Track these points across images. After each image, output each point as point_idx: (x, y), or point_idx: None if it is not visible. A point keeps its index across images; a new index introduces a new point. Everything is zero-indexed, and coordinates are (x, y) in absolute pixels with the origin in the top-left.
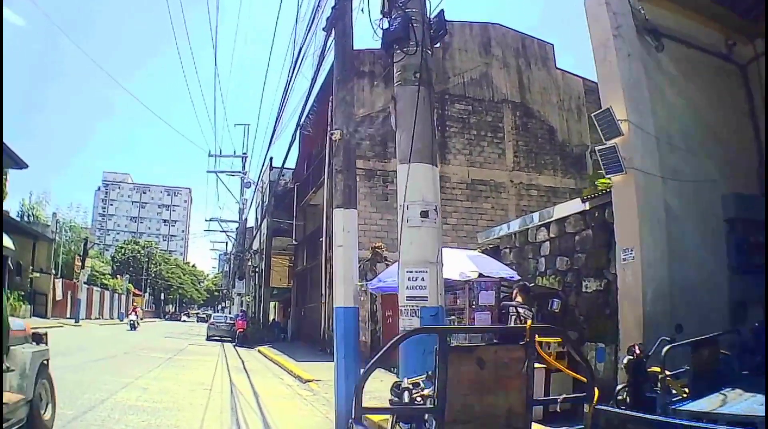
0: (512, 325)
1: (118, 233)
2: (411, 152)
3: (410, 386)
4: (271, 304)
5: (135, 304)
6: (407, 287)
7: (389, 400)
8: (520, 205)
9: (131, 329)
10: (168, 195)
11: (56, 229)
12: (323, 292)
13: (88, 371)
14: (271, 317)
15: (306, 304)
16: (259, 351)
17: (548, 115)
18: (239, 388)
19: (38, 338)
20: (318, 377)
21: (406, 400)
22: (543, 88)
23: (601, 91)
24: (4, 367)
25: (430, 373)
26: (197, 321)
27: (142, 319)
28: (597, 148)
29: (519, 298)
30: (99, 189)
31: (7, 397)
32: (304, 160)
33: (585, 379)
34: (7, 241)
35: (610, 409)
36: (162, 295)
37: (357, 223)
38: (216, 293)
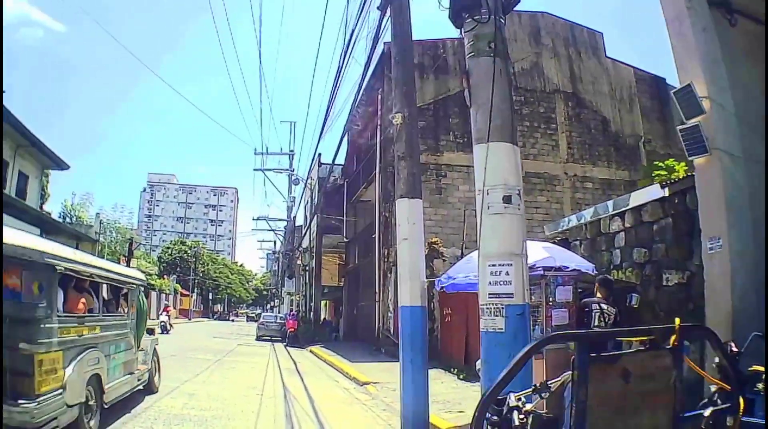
0: (595, 323)
1: (164, 234)
2: (489, 130)
3: (519, 404)
4: (322, 302)
5: (167, 304)
6: (489, 283)
7: (488, 419)
8: (575, 197)
9: (162, 332)
10: (214, 195)
11: (100, 229)
12: (377, 290)
13: None
14: (322, 316)
15: (358, 303)
16: (310, 351)
17: (600, 106)
18: (293, 393)
19: (151, 331)
20: (375, 379)
21: (516, 423)
22: (594, 77)
23: (678, 67)
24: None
25: (540, 384)
26: (246, 320)
27: (186, 319)
28: (678, 127)
29: (600, 294)
30: (144, 190)
31: (140, 367)
32: (353, 155)
33: (729, 387)
34: (139, 273)
35: (757, 421)
36: (210, 294)
37: (422, 214)
38: (264, 292)
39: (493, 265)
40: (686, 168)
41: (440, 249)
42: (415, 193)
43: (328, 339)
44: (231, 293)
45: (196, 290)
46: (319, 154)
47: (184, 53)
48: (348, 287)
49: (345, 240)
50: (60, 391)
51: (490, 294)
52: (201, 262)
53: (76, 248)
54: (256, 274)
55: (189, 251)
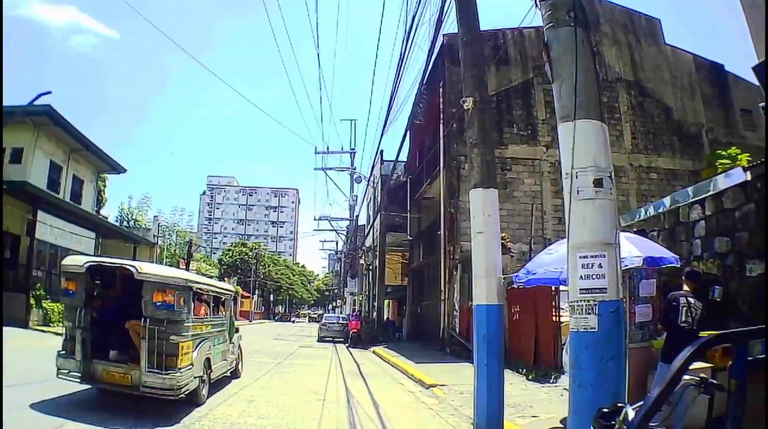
0: (682, 319)
1: (225, 237)
2: (575, 107)
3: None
4: (385, 302)
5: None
6: (581, 277)
7: None
8: (640, 189)
9: None
10: (275, 196)
11: (158, 232)
12: (442, 288)
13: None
14: (385, 316)
15: (422, 302)
16: (373, 352)
17: (663, 94)
18: (356, 397)
19: (237, 329)
20: (441, 381)
21: None
22: (655, 65)
23: (755, 42)
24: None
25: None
26: (308, 321)
27: (247, 320)
28: (760, 104)
29: (687, 287)
30: (204, 193)
31: (230, 356)
32: (415, 152)
33: None
34: (230, 286)
35: None
36: (271, 296)
37: (498, 205)
38: (326, 293)
39: (585, 257)
40: (749, 157)
41: (507, 244)
42: (490, 183)
43: (391, 339)
44: (293, 294)
45: (257, 292)
46: (381, 151)
47: (240, 55)
48: (412, 286)
49: (409, 238)
50: (191, 366)
51: (581, 289)
52: (262, 263)
53: (134, 252)
54: (317, 275)
55: (250, 253)
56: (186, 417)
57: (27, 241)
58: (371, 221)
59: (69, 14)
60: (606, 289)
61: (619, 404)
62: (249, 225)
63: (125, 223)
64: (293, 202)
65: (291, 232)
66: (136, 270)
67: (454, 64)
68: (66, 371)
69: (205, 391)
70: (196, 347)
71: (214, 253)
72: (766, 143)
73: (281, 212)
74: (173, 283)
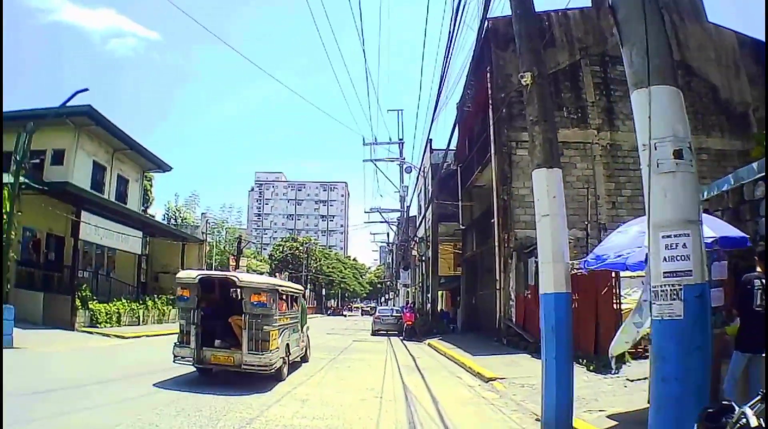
0: (758, 302)
1: (275, 232)
2: (648, 72)
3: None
4: (439, 293)
5: None
6: (664, 259)
7: None
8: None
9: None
10: (324, 190)
11: (206, 229)
12: (497, 277)
13: (235, 382)
14: (439, 307)
15: (477, 292)
16: (428, 345)
17: (708, 73)
18: (414, 393)
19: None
20: (501, 374)
21: None
22: (699, 44)
23: None
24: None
25: None
26: (361, 314)
27: None
28: None
29: (759, 269)
30: (252, 189)
31: (301, 344)
32: (464, 139)
33: None
34: (300, 286)
35: None
36: (323, 290)
37: (563, 186)
38: (379, 286)
39: (668, 237)
40: None
41: None
42: (553, 162)
43: (446, 331)
44: (345, 288)
45: (308, 286)
46: (431, 140)
47: (283, 49)
48: (465, 276)
49: (461, 227)
50: (277, 349)
51: (665, 273)
52: (313, 257)
53: (182, 250)
54: (369, 268)
55: (300, 247)
56: (273, 388)
57: (72, 242)
58: (422, 211)
59: (107, 18)
60: (691, 271)
61: (725, 402)
62: (299, 220)
63: (172, 221)
64: (342, 196)
65: (341, 226)
66: (238, 279)
67: (500, 48)
68: (182, 357)
69: (285, 370)
70: (280, 335)
71: (265, 249)
72: (766, 141)
73: (331, 206)
74: (265, 287)
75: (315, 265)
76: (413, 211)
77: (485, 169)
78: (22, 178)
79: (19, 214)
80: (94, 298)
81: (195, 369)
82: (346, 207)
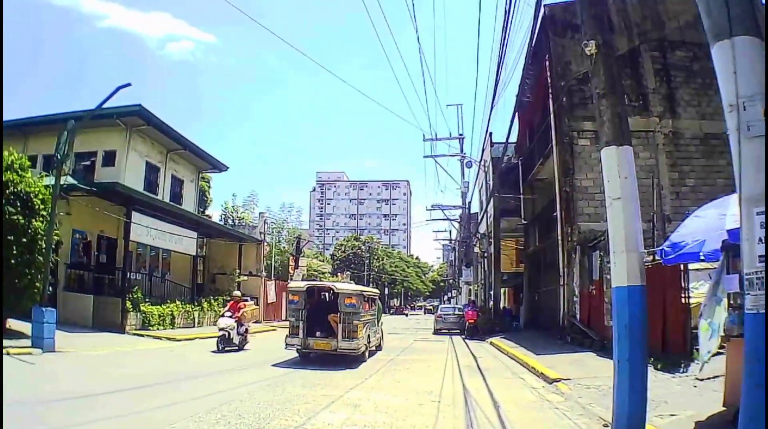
0: None
1: (336, 232)
2: (729, 20)
3: None
4: (501, 290)
5: (236, 297)
6: (759, 239)
7: None
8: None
9: (219, 349)
10: (386, 189)
11: (264, 229)
12: (561, 272)
13: (287, 385)
14: (501, 305)
15: (539, 288)
16: (491, 343)
17: None
18: (474, 397)
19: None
20: (565, 374)
21: None
22: None
23: None
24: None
25: None
26: (424, 313)
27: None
28: None
29: None
30: (314, 189)
31: (377, 335)
32: (525, 132)
33: None
34: (375, 290)
35: None
36: (386, 289)
37: (635, 166)
38: (442, 284)
39: (763, 213)
40: None
41: None
42: (624, 139)
43: (508, 329)
44: (407, 287)
45: (371, 285)
46: (491, 134)
47: (339, 48)
48: (528, 272)
49: (523, 222)
50: (362, 338)
51: (761, 256)
52: (375, 257)
53: (239, 250)
54: (432, 266)
55: (362, 247)
56: (357, 367)
57: (123, 244)
58: (484, 207)
59: (163, 22)
60: None
61: None
62: (361, 219)
63: (230, 222)
64: (405, 194)
65: (403, 225)
66: (335, 288)
67: (558, 35)
68: (292, 345)
69: (367, 354)
70: (364, 327)
71: (327, 249)
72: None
73: (393, 205)
74: (354, 292)
75: (377, 265)
76: (475, 207)
77: (546, 161)
78: (71, 180)
79: (68, 215)
80: (146, 300)
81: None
82: (409, 205)
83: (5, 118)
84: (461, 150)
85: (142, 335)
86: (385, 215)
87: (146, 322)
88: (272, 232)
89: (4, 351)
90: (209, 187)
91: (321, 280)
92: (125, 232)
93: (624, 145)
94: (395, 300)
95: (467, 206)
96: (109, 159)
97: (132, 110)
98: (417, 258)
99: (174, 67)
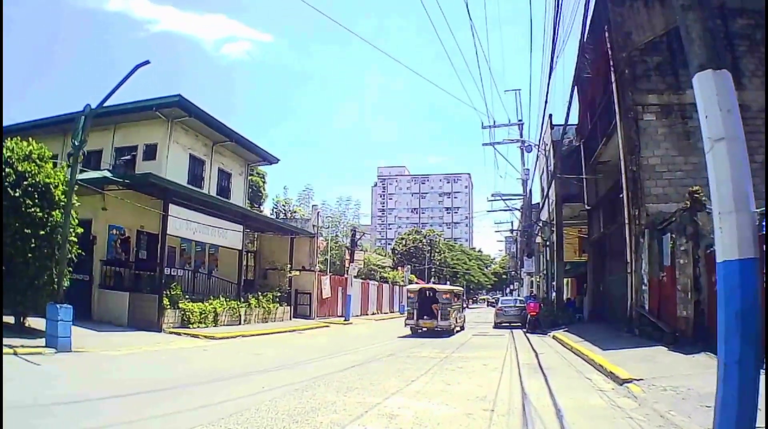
0: None
1: (399, 226)
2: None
3: None
4: (564, 281)
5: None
6: None
7: None
8: None
9: None
10: (448, 182)
11: (317, 222)
12: (628, 259)
13: (319, 388)
14: (565, 296)
15: (604, 278)
16: (553, 337)
17: None
18: (534, 404)
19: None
20: (636, 374)
21: None
22: None
23: None
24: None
25: None
26: (487, 305)
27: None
28: None
29: None
30: (375, 184)
31: (461, 320)
32: (585, 112)
33: None
34: (460, 288)
35: None
36: (447, 282)
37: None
38: (504, 276)
39: None
40: None
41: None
42: (720, 61)
43: (571, 321)
44: (469, 279)
45: (432, 279)
46: (550, 116)
47: (392, 42)
48: (592, 261)
49: (586, 208)
50: (454, 320)
51: None
52: (437, 250)
53: (291, 244)
54: (494, 259)
55: (423, 240)
56: (450, 337)
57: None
58: (545, 192)
59: (218, 24)
60: None
61: None
62: (423, 213)
63: (281, 216)
64: (466, 187)
65: (466, 217)
66: (436, 290)
67: (616, 4)
68: (409, 325)
69: (455, 329)
70: (453, 312)
71: (388, 244)
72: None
73: (455, 198)
74: (448, 291)
75: (439, 258)
76: (536, 197)
77: (609, 140)
78: (105, 174)
79: (104, 210)
80: (186, 296)
81: None
82: (471, 198)
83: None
84: (521, 136)
85: (179, 334)
86: (447, 208)
87: (185, 320)
88: (329, 226)
89: (13, 351)
90: (264, 182)
91: (380, 274)
92: (162, 225)
93: (722, 69)
94: None
95: (528, 194)
96: (150, 153)
97: (171, 101)
98: (479, 251)
99: (232, 68)
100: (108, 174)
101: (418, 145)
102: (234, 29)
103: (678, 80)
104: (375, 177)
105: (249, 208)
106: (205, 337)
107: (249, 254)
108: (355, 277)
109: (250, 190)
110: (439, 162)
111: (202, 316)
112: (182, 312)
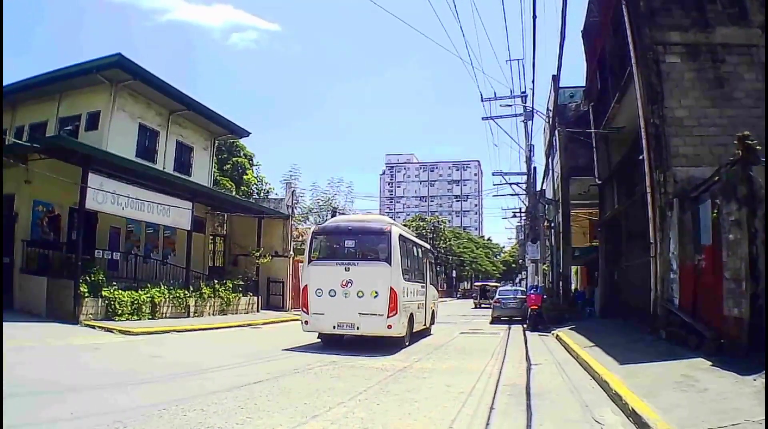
0: None
1: (407, 215)
2: None
3: None
4: (572, 268)
5: None
6: None
7: None
8: None
9: None
10: (456, 170)
11: (292, 202)
12: (651, 239)
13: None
14: (573, 286)
15: (621, 264)
16: (557, 338)
17: None
18: None
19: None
20: (672, 413)
21: None
22: None
23: None
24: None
25: None
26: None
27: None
28: None
29: None
30: (383, 172)
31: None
32: (594, 70)
33: None
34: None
35: None
36: (454, 271)
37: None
38: (513, 265)
39: None
40: None
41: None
42: None
43: (581, 316)
44: (477, 268)
45: (436, 268)
46: (553, 76)
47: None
48: (605, 245)
49: (597, 182)
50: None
51: None
52: (441, 237)
53: (259, 224)
54: (503, 247)
55: (428, 227)
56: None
57: (85, 215)
58: (550, 164)
59: (225, 13)
60: None
61: None
62: (432, 201)
63: (255, 195)
64: (476, 175)
65: (475, 205)
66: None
67: None
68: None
69: (407, 342)
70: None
71: None
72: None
73: (464, 185)
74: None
75: (444, 246)
76: (542, 175)
77: (625, 96)
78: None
79: (27, 184)
80: (115, 283)
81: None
82: (480, 186)
83: None
84: (525, 109)
85: (94, 327)
86: (456, 196)
87: (111, 310)
88: (317, 210)
89: None
90: (252, 164)
91: None
92: (81, 198)
93: None
94: (465, 283)
95: (533, 171)
96: (93, 122)
97: (111, 61)
98: (488, 239)
99: (240, 57)
100: (16, 141)
101: (427, 134)
102: (241, 18)
103: (705, 16)
104: (383, 165)
105: (208, 186)
106: (121, 331)
107: (218, 238)
108: None
109: (235, 172)
110: (449, 152)
111: (134, 306)
112: (106, 301)
